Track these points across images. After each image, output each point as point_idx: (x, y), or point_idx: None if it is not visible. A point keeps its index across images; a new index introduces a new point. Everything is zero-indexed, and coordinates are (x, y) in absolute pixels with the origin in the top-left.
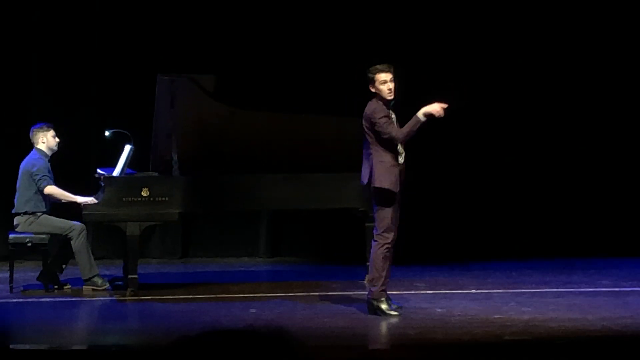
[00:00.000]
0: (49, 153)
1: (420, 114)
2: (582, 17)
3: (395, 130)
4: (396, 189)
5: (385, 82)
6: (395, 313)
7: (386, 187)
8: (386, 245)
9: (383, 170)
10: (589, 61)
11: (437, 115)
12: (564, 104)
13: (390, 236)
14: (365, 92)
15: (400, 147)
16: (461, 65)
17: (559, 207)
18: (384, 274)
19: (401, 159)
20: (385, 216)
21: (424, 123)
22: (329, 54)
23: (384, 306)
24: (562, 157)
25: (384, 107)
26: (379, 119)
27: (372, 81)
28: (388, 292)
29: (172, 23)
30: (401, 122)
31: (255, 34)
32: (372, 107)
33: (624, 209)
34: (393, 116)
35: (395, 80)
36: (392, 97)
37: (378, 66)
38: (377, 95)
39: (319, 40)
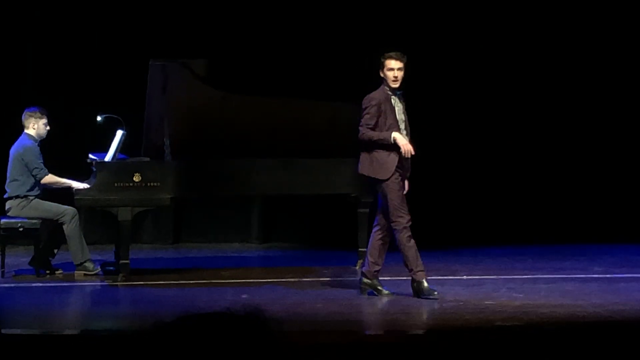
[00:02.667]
0: (38, 139)
1: (393, 136)
2: (584, 15)
3: (368, 126)
4: (384, 176)
5: (392, 70)
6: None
7: (367, 174)
8: (404, 229)
9: (369, 158)
10: (584, 53)
11: (402, 150)
12: (558, 93)
13: (404, 220)
14: (360, 76)
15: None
16: (462, 57)
17: (551, 194)
18: (409, 254)
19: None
20: (390, 203)
21: (387, 143)
22: (322, 38)
23: (425, 286)
24: (554, 143)
25: (385, 94)
26: (367, 109)
27: (382, 66)
28: (380, 278)
29: (163, 7)
30: (412, 114)
31: (247, 18)
32: (369, 96)
33: (616, 196)
34: (398, 105)
35: (405, 70)
36: (396, 85)
37: (390, 53)
38: (384, 81)
39: (312, 24)
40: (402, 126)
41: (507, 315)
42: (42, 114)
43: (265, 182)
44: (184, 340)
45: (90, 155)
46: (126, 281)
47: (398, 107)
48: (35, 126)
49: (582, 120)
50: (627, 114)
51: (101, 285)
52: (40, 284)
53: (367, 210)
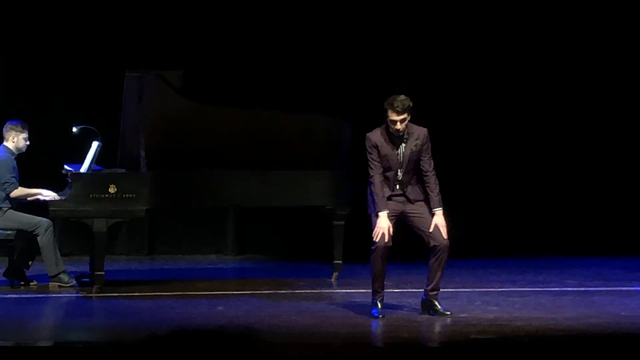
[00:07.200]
0: (16, 152)
1: (379, 214)
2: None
3: (373, 168)
4: (371, 210)
5: (395, 122)
6: (380, 316)
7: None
8: (374, 250)
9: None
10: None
11: (379, 230)
12: (530, 115)
13: (375, 243)
14: (335, 88)
15: (397, 175)
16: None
17: (525, 206)
18: (371, 277)
19: (395, 188)
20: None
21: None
22: (297, 50)
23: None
24: (529, 156)
25: (385, 136)
26: (367, 150)
27: (385, 111)
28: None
29: (139, 18)
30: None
31: (222, 29)
32: (367, 136)
33: (589, 210)
34: (402, 148)
35: (408, 116)
36: (399, 135)
37: (393, 103)
38: (387, 124)
39: (287, 35)
40: (405, 168)
41: (481, 328)
42: (23, 128)
43: (240, 194)
44: (176, 354)
45: (66, 167)
46: (101, 293)
47: (401, 147)
48: (15, 139)
49: (554, 135)
50: (603, 129)
51: (76, 297)
52: (15, 295)
53: (343, 222)
